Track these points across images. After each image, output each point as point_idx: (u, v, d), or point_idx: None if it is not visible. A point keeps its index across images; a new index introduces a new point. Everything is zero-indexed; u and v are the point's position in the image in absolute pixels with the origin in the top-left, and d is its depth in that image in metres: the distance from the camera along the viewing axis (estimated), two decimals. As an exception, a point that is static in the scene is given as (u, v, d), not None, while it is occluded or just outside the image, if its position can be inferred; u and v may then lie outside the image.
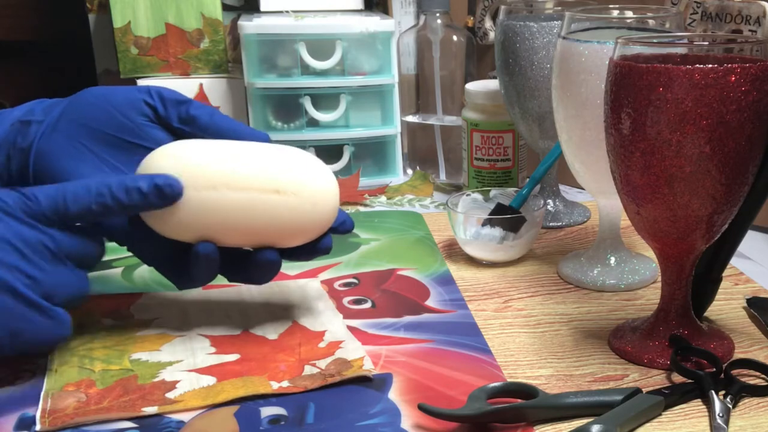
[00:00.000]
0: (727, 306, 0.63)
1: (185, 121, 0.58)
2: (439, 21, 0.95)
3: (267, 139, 0.59)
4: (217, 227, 0.54)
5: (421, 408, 0.47)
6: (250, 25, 0.92)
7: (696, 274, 0.56)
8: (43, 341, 0.51)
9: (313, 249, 0.58)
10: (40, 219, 0.50)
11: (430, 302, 0.64)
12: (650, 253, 0.70)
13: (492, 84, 0.87)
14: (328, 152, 0.95)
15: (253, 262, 0.57)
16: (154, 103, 0.58)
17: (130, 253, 0.59)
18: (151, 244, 0.57)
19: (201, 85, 1.00)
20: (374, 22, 0.94)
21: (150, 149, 0.56)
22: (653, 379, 0.53)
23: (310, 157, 0.57)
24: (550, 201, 0.84)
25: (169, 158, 0.54)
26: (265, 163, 0.55)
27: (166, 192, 0.53)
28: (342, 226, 0.59)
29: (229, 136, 0.58)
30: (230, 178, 0.54)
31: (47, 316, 0.50)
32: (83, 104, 0.58)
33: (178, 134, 0.59)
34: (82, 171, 0.57)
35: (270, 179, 0.54)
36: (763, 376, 0.52)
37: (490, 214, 0.73)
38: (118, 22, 0.97)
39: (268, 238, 0.56)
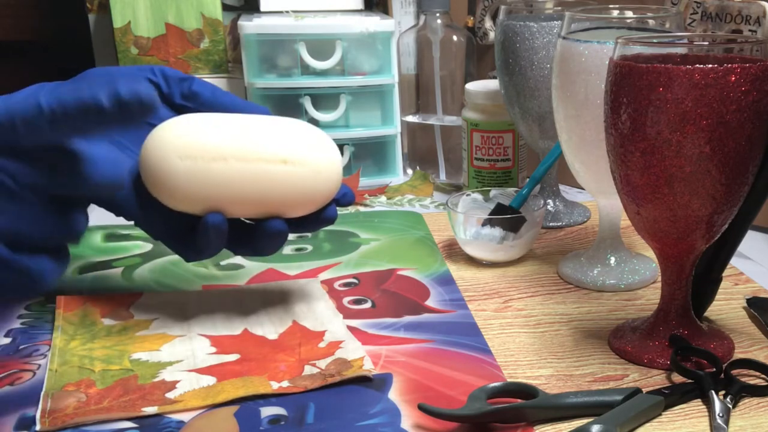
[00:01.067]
0: (727, 306, 0.63)
1: (188, 97, 0.59)
2: (439, 21, 0.95)
3: (269, 113, 0.60)
4: (226, 198, 0.55)
5: (421, 408, 0.47)
6: (250, 25, 0.92)
7: (696, 274, 0.56)
8: (13, 294, 0.46)
9: (318, 218, 0.59)
10: None
11: (430, 302, 0.64)
12: (650, 253, 0.70)
13: (492, 84, 0.87)
14: (328, 152, 0.95)
15: (261, 232, 0.57)
16: (158, 80, 0.59)
17: (131, 253, 0.59)
18: (159, 218, 0.58)
19: (201, 85, 1.00)
20: (374, 22, 0.94)
21: (154, 125, 0.57)
22: (653, 379, 0.53)
23: (312, 128, 0.58)
24: (550, 201, 0.84)
25: (177, 131, 0.55)
26: (272, 134, 0.56)
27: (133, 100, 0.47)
28: (344, 198, 0.60)
29: (231, 110, 0.59)
30: (239, 150, 0.55)
31: (8, 268, 0.45)
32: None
33: (180, 111, 0.60)
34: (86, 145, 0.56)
35: (277, 149, 0.55)
36: (763, 376, 0.52)
37: (490, 214, 0.73)
38: (118, 22, 0.97)
39: (275, 208, 0.57)
